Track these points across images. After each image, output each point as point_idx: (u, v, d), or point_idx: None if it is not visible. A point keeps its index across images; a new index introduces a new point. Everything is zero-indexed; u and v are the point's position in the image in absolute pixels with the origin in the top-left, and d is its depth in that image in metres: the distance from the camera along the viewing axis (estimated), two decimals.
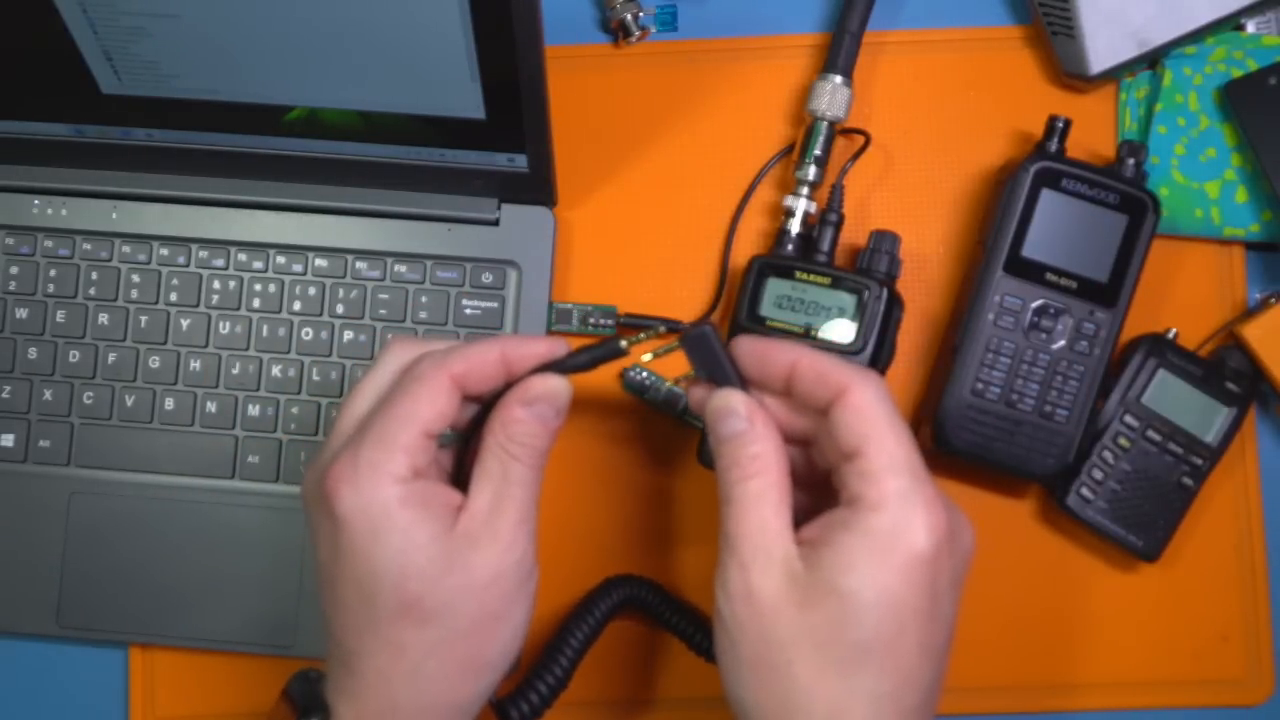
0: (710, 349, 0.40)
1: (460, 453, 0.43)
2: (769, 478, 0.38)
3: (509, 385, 0.41)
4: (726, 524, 0.38)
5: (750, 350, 0.41)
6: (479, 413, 0.42)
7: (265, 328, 0.58)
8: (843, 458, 0.38)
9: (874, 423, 0.38)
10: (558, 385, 0.41)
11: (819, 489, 0.41)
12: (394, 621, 0.38)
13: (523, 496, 0.40)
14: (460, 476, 0.42)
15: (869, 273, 0.55)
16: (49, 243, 0.59)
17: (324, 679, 0.41)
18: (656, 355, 0.43)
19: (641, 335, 0.43)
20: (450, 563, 0.38)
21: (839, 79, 0.57)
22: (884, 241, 0.55)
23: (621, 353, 0.42)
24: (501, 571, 0.39)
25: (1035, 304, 0.54)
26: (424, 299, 0.58)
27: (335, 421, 0.41)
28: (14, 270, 0.59)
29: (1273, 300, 0.58)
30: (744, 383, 0.41)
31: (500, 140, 0.53)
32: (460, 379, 0.40)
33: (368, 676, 0.39)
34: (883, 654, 0.36)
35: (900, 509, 0.36)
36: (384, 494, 0.38)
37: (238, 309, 0.58)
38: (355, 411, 0.41)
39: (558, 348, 0.42)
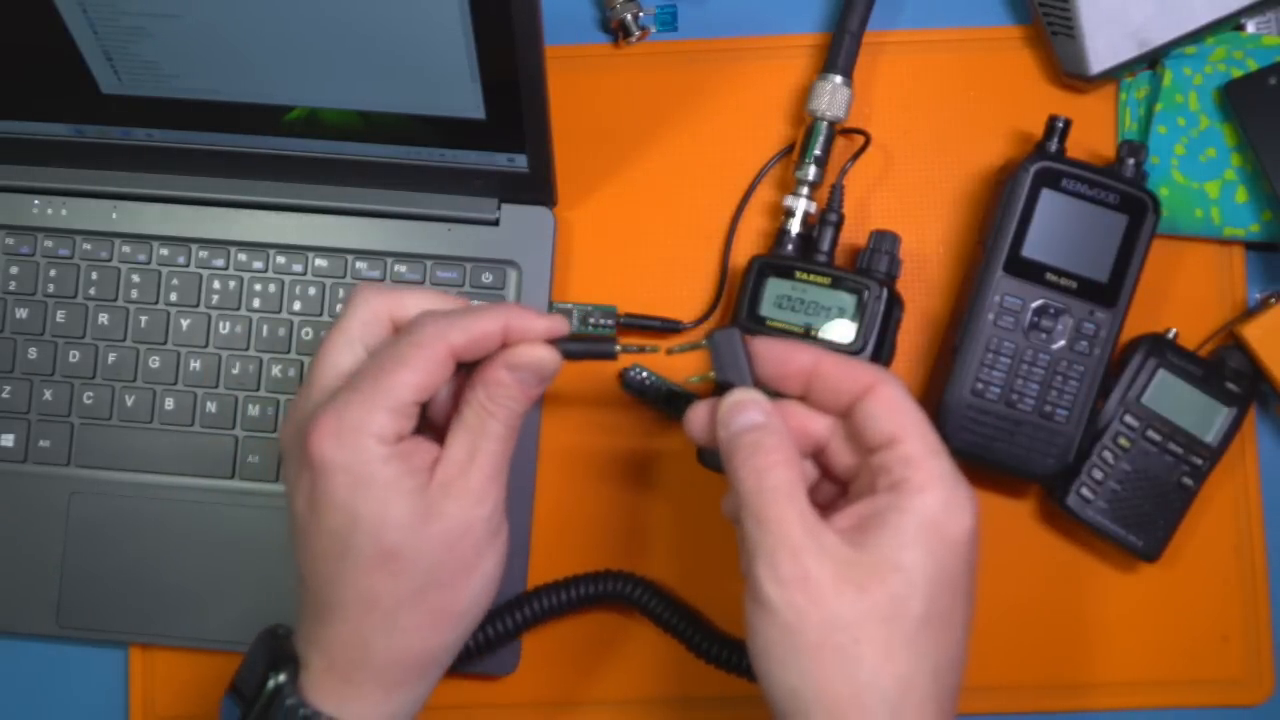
0: (735, 348, 0.41)
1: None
2: (795, 470, 0.39)
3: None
4: (764, 511, 0.38)
5: (771, 351, 0.41)
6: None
7: (265, 328, 0.58)
8: (874, 449, 0.39)
9: (908, 413, 0.39)
10: (545, 355, 0.42)
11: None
12: (370, 572, 0.39)
13: (496, 451, 0.41)
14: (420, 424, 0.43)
15: (869, 273, 0.55)
16: (49, 243, 0.59)
17: (292, 634, 0.42)
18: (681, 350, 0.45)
19: (634, 346, 0.44)
20: (428, 513, 0.39)
21: (839, 79, 0.57)
22: (884, 241, 0.55)
23: (611, 356, 0.44)
24: (472, 522, 0.40)
25: (1035, 304, 0.54)
26: None
27: (311, 372, 0.42)
28: (14, 270, 0.59)
29: (1273, 300, 0.58)
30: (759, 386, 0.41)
31: (500, 140, 0.53)
32: (459, 351, 0.41)
33: (340, 627, 0.40)
34: (939, 628, 0.37)
35: (947, 489, 0.38)
36: (368, 452, 0.39)
37: (238, 309, 0.58)
38: (333, 363, 0.41)
39: (559, 326, 0.42)
